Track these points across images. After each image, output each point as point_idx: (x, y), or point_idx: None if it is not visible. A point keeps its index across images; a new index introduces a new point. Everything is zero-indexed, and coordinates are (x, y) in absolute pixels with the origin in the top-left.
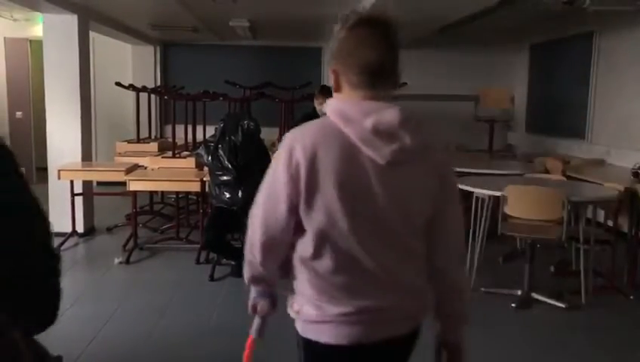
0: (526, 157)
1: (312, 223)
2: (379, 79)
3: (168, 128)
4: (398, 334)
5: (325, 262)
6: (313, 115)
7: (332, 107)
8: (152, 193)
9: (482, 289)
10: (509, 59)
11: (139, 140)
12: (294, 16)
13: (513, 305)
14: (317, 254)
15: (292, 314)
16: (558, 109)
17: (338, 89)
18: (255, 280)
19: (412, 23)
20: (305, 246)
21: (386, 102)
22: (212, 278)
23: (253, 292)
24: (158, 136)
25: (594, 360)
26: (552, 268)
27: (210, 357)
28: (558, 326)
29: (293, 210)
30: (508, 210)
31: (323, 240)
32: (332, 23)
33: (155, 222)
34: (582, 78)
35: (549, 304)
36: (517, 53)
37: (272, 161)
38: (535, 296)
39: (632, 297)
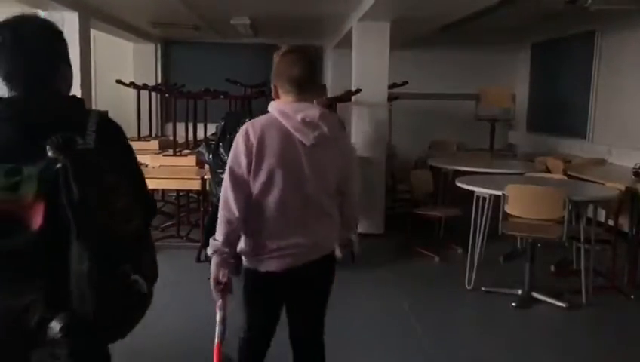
0: (527, 156)
1: (257, 184)
2: (303, 88)
3: (169, 126)
4: (313, 259)
5: (264, 213)
6: None
7: (274, 108)
8: (152, 191)
9: (483, 288)
10: (510, 59)
11: (140, 138)
12: (295, 14)
13: (513, 304)
14: (258, 207)
15: (239, 251)
16: (559, 109)
17: (277, 96)
18: (227, 239)
19: (413, 22)
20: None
21: (310, 104)
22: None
23: (215, 261)
24: (159, 134)
25: (594, 360)
26: (552, 268)
27: (211, 354)
28: (558, 326)
29: (249, 172)
30: (508, 209)
31: (264, 197)
32: (333, 21)
33: (155, 219)
34: (583, 77)
35: (550, 303)
36: (518, 53)
37: (235, 141)
38: (535, 295)
39: (632, 297)
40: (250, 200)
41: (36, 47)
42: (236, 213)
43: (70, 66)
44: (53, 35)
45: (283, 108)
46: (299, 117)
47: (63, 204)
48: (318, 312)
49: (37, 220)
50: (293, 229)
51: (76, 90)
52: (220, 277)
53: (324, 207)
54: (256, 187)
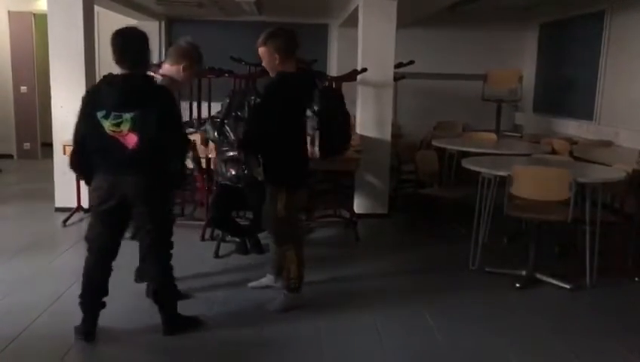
0: (533, 137)
1: None
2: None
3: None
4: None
5: None
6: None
7: None
8: None
9: (487, 269)
10: (518, 39)
11: None
12: None
13: (517, 285)
14: None
15: None
16: (567, 90)
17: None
18: None
19: (420, 0)
20: None
21: None
22: (217, 255)
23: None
24: None
25: (597, 341)
26: (557, 249)
27: (215, 335)
28: (562, 307)
29: None
30: (514, 190)
31: None
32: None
33: None
34: (591, 58)
35: (554, 284)
36: (526, 33)
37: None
38: (539, 276)
39: (637, 279)
40: None
41: (131, 47)
42: None
43: (149, 55)
44: (140, 38)
45: None
46: None
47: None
48: None
49: (131, 143)
50: None
51: (80, 67)
52: None
53: None
54: None
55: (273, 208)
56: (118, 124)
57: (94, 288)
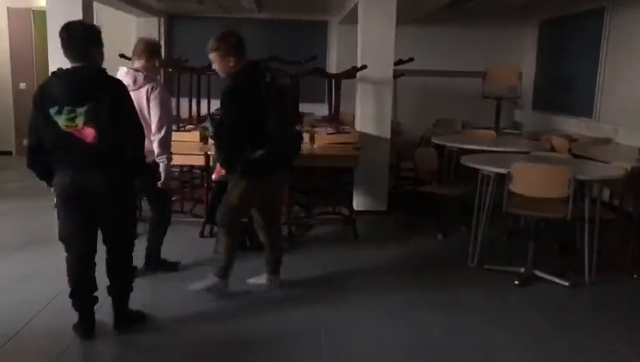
0: (532, 135)
1: None
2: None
3: (172, 101)
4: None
5: None
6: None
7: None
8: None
9: (486, 266)
10: (518, 36)
11: None
12: None
13: (517, 282)
14: None
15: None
16: (566, 87)
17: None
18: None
19: None
20: None
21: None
22: (216, 252)
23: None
24: None
25: (596, 338)
26: (556, 246)
27: (215, 329)
28: (561, 304)
29: None
30: (513, 187)
31: None
32: None
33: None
34: (591, 55)
35: (553, 282)
36: (526, 30)
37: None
38: (538, 273)
39: (635, 276)
40: None
41: (77, 39)
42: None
43: (101, 48)
44: (86, 31)
45: None
46: None
47: (104, 126)
48: None
49: (89, 137)
50: None
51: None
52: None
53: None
54: None
55: (229, 194)
56: (72, 119)
57: (82, 286)
